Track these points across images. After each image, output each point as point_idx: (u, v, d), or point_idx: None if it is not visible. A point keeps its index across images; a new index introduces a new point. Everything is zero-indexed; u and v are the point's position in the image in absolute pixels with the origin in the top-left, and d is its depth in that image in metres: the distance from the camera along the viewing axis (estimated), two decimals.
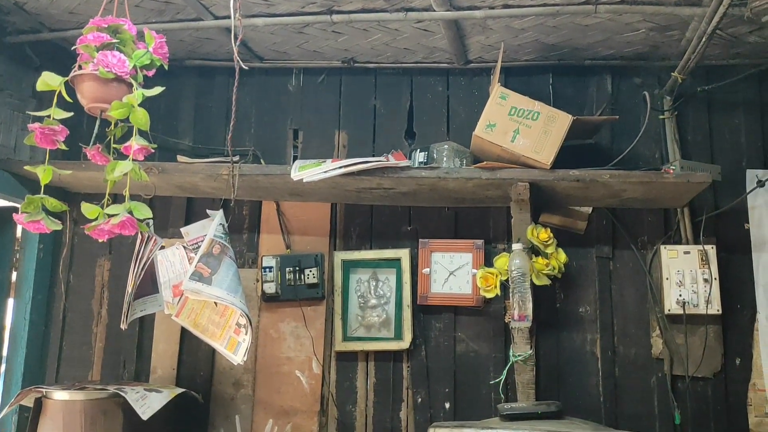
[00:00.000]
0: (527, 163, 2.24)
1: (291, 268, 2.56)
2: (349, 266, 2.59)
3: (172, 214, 2.69)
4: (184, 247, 2.37)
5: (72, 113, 1.72)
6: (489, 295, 2.36)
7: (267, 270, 2.55)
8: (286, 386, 2.54)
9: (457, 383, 2.47)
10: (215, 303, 2.20)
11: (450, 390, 2.47)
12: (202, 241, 2.24)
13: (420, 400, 2.48)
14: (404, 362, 2.52)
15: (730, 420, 2.29)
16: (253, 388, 2.55)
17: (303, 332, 2.55)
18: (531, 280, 2.29)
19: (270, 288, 2.54)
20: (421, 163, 2.42)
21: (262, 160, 2.67)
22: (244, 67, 1.87)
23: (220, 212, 2.27)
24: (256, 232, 2.68)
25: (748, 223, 2.39)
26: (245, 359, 2.15)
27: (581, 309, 2.46)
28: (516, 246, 2.28)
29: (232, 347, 2.20)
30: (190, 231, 2.29)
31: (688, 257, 2.34)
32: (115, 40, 1.76)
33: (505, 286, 2.35)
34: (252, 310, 2.59)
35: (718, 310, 2.29)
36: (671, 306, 2.32)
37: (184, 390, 2.34)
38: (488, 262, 2.45)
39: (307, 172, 2.29)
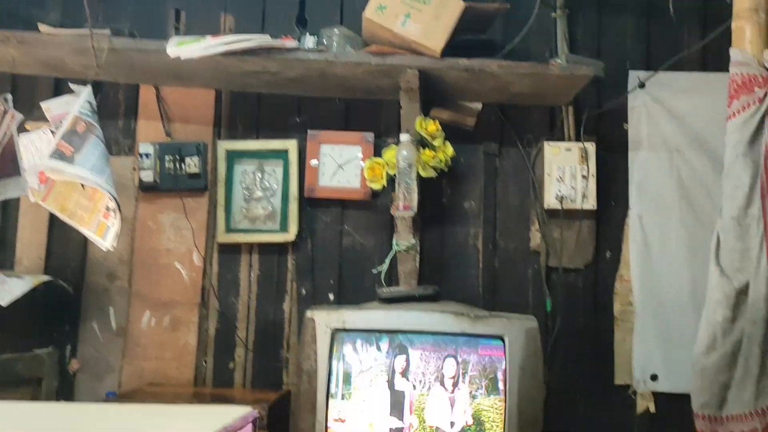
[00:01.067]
0: (417, 50, 2.19)
1: (171, 157, 2.43)
2: (233, 157, 2.48)
3: (39, 94, 2.46)
4: (52, 131, 2.19)
5: None
6: (375, 186, 2.33)
7: (144, 157, 2.40)
8: (165, 278, 2.45)
9: (342, 275, 2.47)
10: (82, 186, 2.06)
11: (335, 282, 2.46)
12: (65, 118, 2.07)
13: (304, 292, 2.46)
14: (289, 255, 2.48)
15: (597, 308, 2.42)
16: (129, 280, 2.45)
17: (184, 224, 2.45)
18: (417, 171, 2.28)
19: (147, 176, 2.40)
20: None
21: None
22: None
23: (88, 88, 2.08)
24: (133, 118, 2.51)
25: (627, 123, 2.46)
26: (114, 245, 2.03)
27: (466, 204, 2.49)
28: (404, 137, 2.25)
29: (101, 232, 2.07)
30: (51, 106, 2.10)
31: (569, 154, 2.40)
32: None
33: (392, 179, 2.33)
34: (129, 200, 2.46)
35: (593, 206, 2.38)
36: (550, 201, 2.38)
37: (50, 278, 2.21)
38: (378, 156, 2.41)
39: (185, 48, 2.13)
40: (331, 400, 1.91)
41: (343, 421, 1.91)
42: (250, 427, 1.17)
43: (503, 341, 1.88)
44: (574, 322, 2.41)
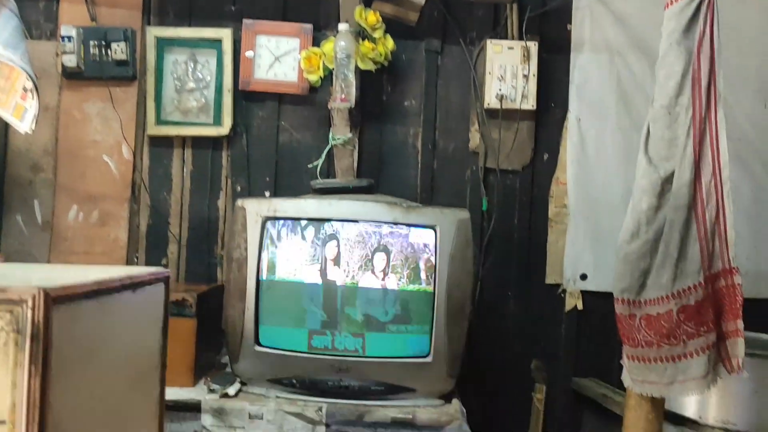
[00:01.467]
0: None
1: (96, 42, 2.29)
2: (164, 44, 2.36)
3: None
4: None
5: None
6: (312, 78, 2.27)
7: (66, 40, 2.25)
8: (93, 171, 2.35)
9: (278, 172, 2.42)
10: None
11: (271, 179, 2.41)
12: None
13: (239, 188, 2.41)
14: (224, 150, 2.41)
15: (532, 209, 2.45)
16: (54, 172, 2.35)
17: (111, 114, 2.34)
18: (356, 64, 2.22)
19: (70, 61, 2.26)
20: None
21: None
22: None
23: None
24: (55, 0, 2.35)
25: (570, 23, 2.43)
26: (33, 128, 1.94)
27: (407, 102, 2.44)
28: (342, 26, 2.17)
29: (19, 114, 1.96)
30: None
31: (511, 53, 2.36)
32: None
33: (331, 73, 2.27)
34: (52, 87, 2.33)
35: (533, 106, 2.36)
36: (491, 100, 2.36)
37: None
38: None
39: None
40: (261, 289, 1.89)
41: (271, 309, 1.90)
42: (162, 286, 1.14)
43: (435, 231, 1.88)
44: (510, 222, 2.43)
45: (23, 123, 1.95)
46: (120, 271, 1.03)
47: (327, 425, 1.81)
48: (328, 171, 2.37)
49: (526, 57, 2.35)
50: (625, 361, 1.75)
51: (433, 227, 1.89)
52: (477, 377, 2.36)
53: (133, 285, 1.02)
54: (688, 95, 1.66)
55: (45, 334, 0.76)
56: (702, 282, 1.62)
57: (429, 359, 1.87)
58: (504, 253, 2.42)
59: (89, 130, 2.35)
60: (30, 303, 0.75)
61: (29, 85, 1.92)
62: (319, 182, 2.05)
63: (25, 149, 2.33)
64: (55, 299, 0.78)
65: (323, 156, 2.25)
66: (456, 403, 1.91)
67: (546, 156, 2.45)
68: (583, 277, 2.42)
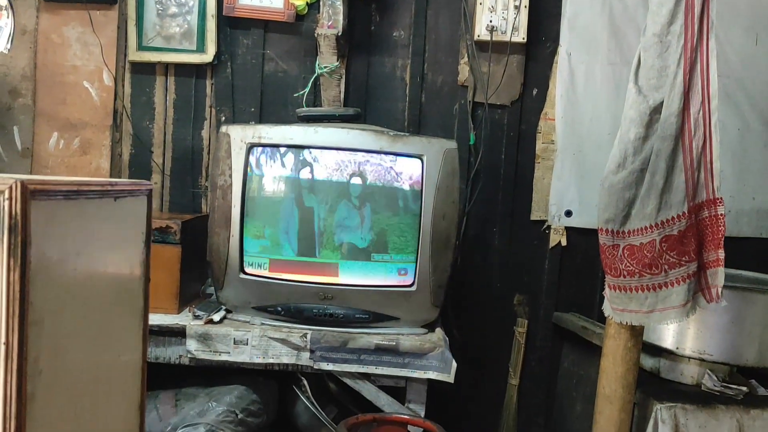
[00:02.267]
0: None
1: None
2: None
3: None
4: None
5: None
6: (299, 3, 2.21)
7: None
8: (73, 97, 2.30)
9: (263, 102, 2.37)
10: None
11: (256, 109, 2.37)
12: None
13: (224, 118, 2.36)
14: (208, 79, 2.36)
15: (520, 145, 2.43)
16: (33, 98, 2.29)
17: (91, 39, 2.27)
18: None
19: None
20: None
21: None
22: None
23: None
24: None
25: None
26: (9, 47, 1.88)
27: (395, 33, 2.39)
28: None
29: None
30: None
31: None
32: None
33: (318, 1, 2.21)
34: (29, 10, 2.25)
35: (523, 38, 2.32)
36: (481, 32, 2.31)
37: None
38: None
39: None
40: (245, 216, 1.88)
41: (259, 236, 1.89)
42: (144, 199, 1.13)
43: (421, 160, 1.87)
44: (497, 158, 2.42)
45: None
46: (101, 180, 1.01)
47: (311, 351, 1.83)
48: (314, 102, 2.33)
49: None
50: (606, 292, 1.77)
51: (419, 156, 1.87)
52: (460, 311, 2.39)
53: (115, 192, 1.01)
54: (681, 23, 1.64)
55: (23, 227, 0.75)
56: (686, 212, 1.63)
57: (413, 288, 1.88)
58: (490, 189, 2.42)
59: (69, 55, 2.28)
60: (7, 194, 0.73)
61: (3, 2, 1.86)
62: (305, 110, 2.02)
63: (2, 74, 2.26)
64: (33, 192, 0.76)
65: (309, 85, 2.21)
66: (439, 331, 1.93)
67: (535, 91, 2.43)
68: (568, 213, 2.43)
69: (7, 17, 1.87)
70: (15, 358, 0.74)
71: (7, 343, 0.74)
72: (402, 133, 1.92)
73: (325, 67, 2.15)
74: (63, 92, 2.29)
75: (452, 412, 2.38)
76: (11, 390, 0.73)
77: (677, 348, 1.93)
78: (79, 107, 2.30)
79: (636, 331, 1.75)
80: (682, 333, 1.93)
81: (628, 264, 1.71)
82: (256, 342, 1.83)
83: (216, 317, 1.89)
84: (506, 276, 2.46)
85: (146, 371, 1.23)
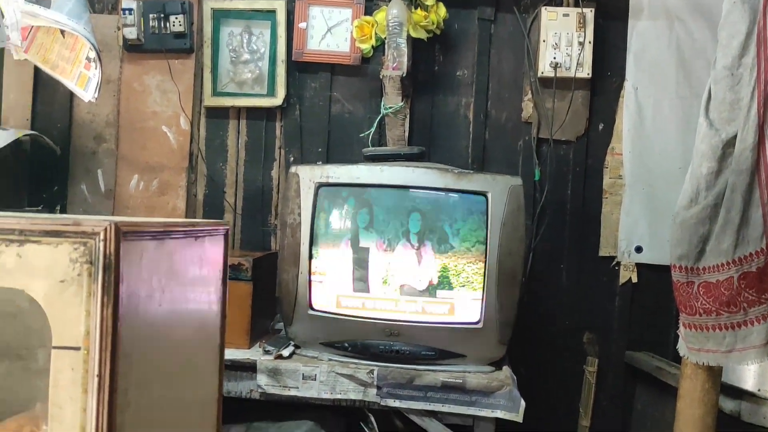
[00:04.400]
0: None
1: (155, 15, 2.35)
2: (219, 16, 2.41)
3: None
4: None
5: None
6: (364, 47, 2.28)
7: (127, 12, 2.32)
8: (152, 142, 2.43)
9: (330, 143, 2.44)
10: (62, 34, 2.01)
11: (323, 150, 2.44)
12: None
13: (292, 158, 2.44)
14: (277, 121, 2.45)
15: (586, 180, 2.40)
16: (116, 142, 2.43)
17: (170, 86, 2.40)
18: (408, 32, 2.22)
19: (131, 33, 2.33)
20: None
21: None
22: None
23: None
24: None
25: None
26: (96, 96, 2.00)
27: (459, 72, 2.43)
28: None
29: (83, 83, 2.03)
30: None
31: (566, 20, 2.32)
32: None
33: (383, 43, 2.28)
34: (113, 60, 2.41)
35: (588, 74, 2.32)
36: (545, 69, 2.32)
37: (34, 132, 2.19)
38: None
39: None
40: (312, 253, 1.92)
41: (323, 273, 1.93)
42: (221, 239, 1.18)
43: (486, 197, 1.88)
44: (563, 193, 2.40)
45: (87, 92, 2.02)
46: (184, 221, 1.07)
47: (378, 387, 1.84)
48: (380, 141, 2.39)
49: (582, 24, 2.30)
50: (681, 330, 1.72)
51: (484, 194, 1.88)
52: (527, 349, 2.35)
53: (195, 233, 1.06)
54: (753, 55, 1.61)
55: (116, 265, 0.80)
56: (764, 248, 1.58)
57: (479, 325, 1.87)
58: (556, 225, 2.39)
59: (149, 102, 2.42)
60: (102, 236, 0.79)
61: (92, 54, 1.99)
62: (370, 150, 2.07)
63: (89, 121, 2.42)
64: (125, 233, 0.82)
65: (375, 125, 2.27)
66: (506, 369, 1.91)
67: (601, 126, 2.41)
68: (638, 249, 2.37)
69: (95, 68, 2.00)
70: (107, 390, 0.78)
71: (100, 376, 0.78)
72: (466, 171, 1.94)
73: (390, 107, 2.21)
74: (143, 137, 2.42)
75: None
76: (103, 421, 0.77)
77: (759, 390, 1.84)
78: (157, 151, 2.43)
79: (714, 372, 1.69)
80: (764, 374, 1.84)
81: (704, 302, 1.66)
82: (324, 377, 1.86)
83: (285, 352, 1.93)
84: (574, 313, 2.41)
85: (221, 405, 1.27)
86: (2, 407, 1.03)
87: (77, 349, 0.79)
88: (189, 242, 1.05)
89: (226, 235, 1.20)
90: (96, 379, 0.78)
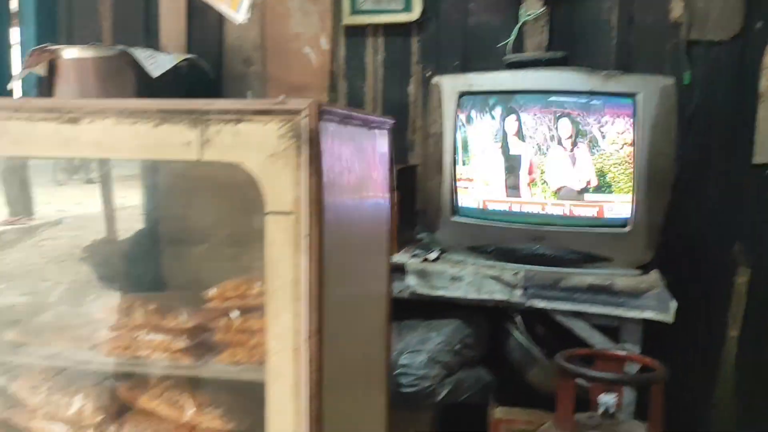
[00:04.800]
0: None
1: None
2: None
3: None
4: None
5: None
6: None
7: None
8: (296, 63, 2.54)
9: (467, 56, 2.44)
10: None
11: (459, 63, 2.45)
12: None
13: (429, 73, 2.47)
14: (413, 36, 2.48)
15: (740, 83, 2.26)
16: (263, 65, 2.57)
17: (310, 7, 2.49)
18: None
19: None
20: None
21: None
22: None
23: None
24: None
25: None
26: (248, 16, 2.12)
27: None
28: None
29: (235, 5, 2.16)
30: None
31: None
32: None
33: None
34: None
35: None
36: None
37: (193, 56, 2.36)
38: None
39: None
40: (456, 161, 1.98)
41: (470, 180, 1.99)
42: (387, 132, 1.26)
43: (634, 99, 1.83)
44: (714, 97, 2.28)
45: (239, 13, 2.14)
46: (361, 111, 1.15)
47: (524, 288, 1.90)
48: (518, 51, 2.35)
49: None
50: None
51: (633, 95, 1.84)
52: (673, 258, 2.31)
53: (369, 122, 1.14)
54: None
55: (317, 140, 0.89)
56: None
57: (627, 229, 1.87)
58: (707, 130, 2.28)
59: (291, 24, 2.52)
60: (306, 112, 0.88)
61: None
62: (512, 56, 2.06)
63: (237, 45, 2.56)
64: (322, 112, 0.90)
65: (514, 33, 2.24)
66: (655, 272, 1.90)
67: (759, 24, 2.23)
68: None
69: None
70: (316, 248, 0.89)
71: (309, 236, 0.89)
72: (614, 72, 1.89)
73: (530, 13, 2.17)
74: (287, 59, 2.54)
75: (666, 359, 2.32)
76: (314, 274, 0.88)
77: None
78: (301, 72, 2.54)
79: None
80: None
81: None
82: (471, 279, 1.94)
83: (432, 255, 2.02)
84: (722, 223, 2.32)
85: (391, 303, 1.38)
86: (218, 275, 1.18)
87: (289, 213, 0.89)
88: (364, 130, 1.13)
89: (390, 129, 1.27)
90: (306, 239, 0.89)
